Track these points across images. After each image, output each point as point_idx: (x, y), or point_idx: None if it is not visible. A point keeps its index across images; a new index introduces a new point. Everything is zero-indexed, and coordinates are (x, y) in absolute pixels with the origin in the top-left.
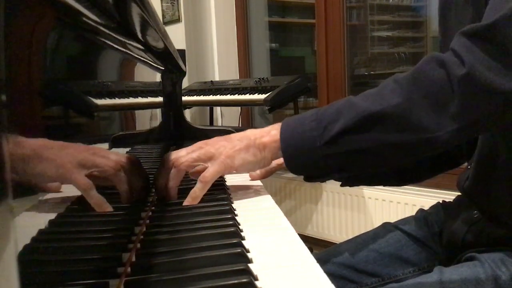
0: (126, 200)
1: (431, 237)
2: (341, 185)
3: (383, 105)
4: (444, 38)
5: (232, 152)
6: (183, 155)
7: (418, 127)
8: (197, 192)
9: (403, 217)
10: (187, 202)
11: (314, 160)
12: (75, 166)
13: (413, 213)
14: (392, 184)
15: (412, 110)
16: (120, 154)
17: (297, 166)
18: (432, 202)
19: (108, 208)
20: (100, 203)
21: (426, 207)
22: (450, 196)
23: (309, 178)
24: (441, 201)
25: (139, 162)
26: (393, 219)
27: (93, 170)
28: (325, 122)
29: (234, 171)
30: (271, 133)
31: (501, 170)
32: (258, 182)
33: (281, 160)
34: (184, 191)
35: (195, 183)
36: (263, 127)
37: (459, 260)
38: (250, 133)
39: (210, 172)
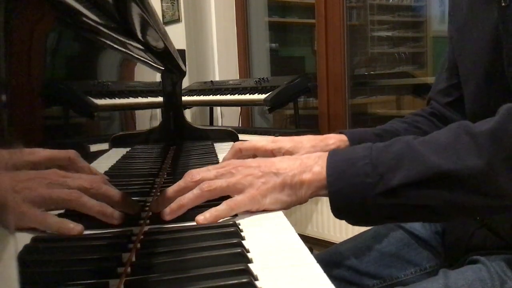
0: (109, 221)
1: (433, 236)
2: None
3: (458, 164)
4: (460, 37)
5: (265, 190)
6: (211, 178)
7: (498, 192)
8: (221, 213)
9: None
10: (203, 218)
11: (365, 209)
12: (31, 210)
13: None
14: None
15: (493, 174)
16: (83, 176)
17: (345, 212)
18: None
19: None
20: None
21: None
22: None
23: (354, 222)
24: None
25: (106, 182)
26: None
27: (53, 207)
28: (381, 169)
29: (262, 209)
30: (313, 169)
31: None
32: None
33: None
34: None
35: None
36: (263, 127)
37: (463, 262)
38: (288, 166)
39: (243, 202)
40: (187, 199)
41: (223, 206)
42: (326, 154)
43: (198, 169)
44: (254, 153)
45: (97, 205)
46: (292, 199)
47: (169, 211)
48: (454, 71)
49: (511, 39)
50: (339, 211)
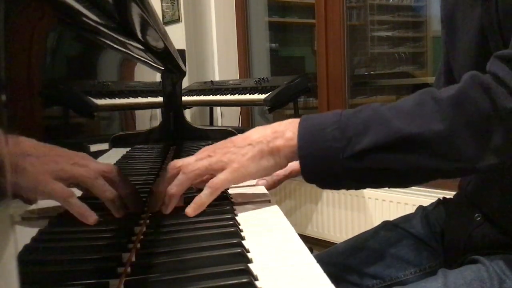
0: (114, 211)
1: (432, 236)
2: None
3: (422, 128)
4: (451, 38)
5: (245, 160)
6: (191, 162)
7: (457, 156)
8: (203, 198)
9: None
10: (191, 208)
11: (334, 172)
12: (50, 178)
13: (413, 213)
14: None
15: (454, 138)
16: (102, 163)
17: (314, 176)
18: (432, 201)
19: (91, 217)
20: (82, 212)
21: None
22: (450, 195)
23: (323, 186)
24: (441, 198)
25: (122, 173)
26: (393, 219)
27: (70, 181)
28: (349, 133)
29: (248, 179)
30: (285, 135)
31: (507, 178)
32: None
33: (288, 171)
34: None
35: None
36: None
37: (462, 262)
38: (261, 135)
39: (221, 179)
40: (175, 187)
41: (206, 190)
42: (298, 120)
43: (177, 159)
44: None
45: (110, 191)
46: (272, 164)
47: (165, 206)
48: (450, 75)
49: (496, 32)
50: (309, 175)
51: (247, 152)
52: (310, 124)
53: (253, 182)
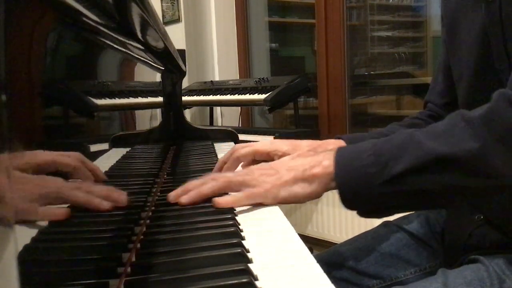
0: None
1: (433, 236)
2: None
3: (454, 148)
4: (451, 38)
5: (278, 184)
6: (228, 175)
7: (493, 172)
8: (239, 199)
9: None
10: (224, 201)
11: (372, 198)
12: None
13: (413, 212)
14: None
15: (487, 155)
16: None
17: (352, 203)
18: None
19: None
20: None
21: None
22: None
23: (363, 214)
24: None
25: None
26: (393, 219)
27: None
28: (384, 159)
29: (278, 202)
30: (323, 163)
31: None
32: None
33: None
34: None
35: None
36: (263, 127)
37: (462, 262)
38: (300, 163)
39: (258, 194)
40: (207, 188)
41: (241, 194)
42: (335, 149)
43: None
44: (253, 157)
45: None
46: (306, 191)
47: (187, 197)
48: (449, 73)
49: (499, 34)
50: (347, 202)
51: (282, 176)
52: (347, 152)
53: None
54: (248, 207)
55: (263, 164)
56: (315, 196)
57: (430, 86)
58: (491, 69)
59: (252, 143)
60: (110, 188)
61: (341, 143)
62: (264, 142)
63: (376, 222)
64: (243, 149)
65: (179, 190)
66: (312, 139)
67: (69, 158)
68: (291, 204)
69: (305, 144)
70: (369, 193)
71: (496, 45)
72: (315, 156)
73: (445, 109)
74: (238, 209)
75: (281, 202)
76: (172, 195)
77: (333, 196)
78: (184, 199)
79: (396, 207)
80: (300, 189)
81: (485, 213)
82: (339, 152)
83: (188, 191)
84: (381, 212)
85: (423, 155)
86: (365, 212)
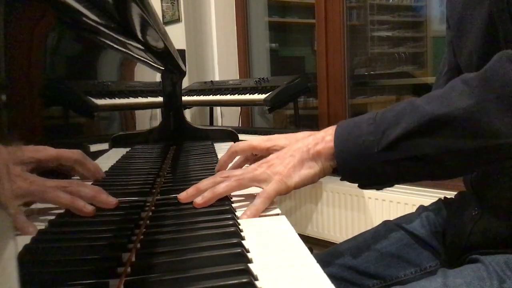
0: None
1: (433, 236)
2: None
3: (450, 107)
4: (459, 38)
5: (287, 171)
6: (237, 174)
7: (490, 132)
8: (259, 205)
9: None
10: (246, 215)
11: (371, 167)
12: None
13: (414, 212)
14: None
15: (484, 113)
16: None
17: (351, 173)
18: (433, 201)
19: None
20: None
21: None
22: (450, 195)
23: (363, 186)
24: (442, 198)
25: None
26: (393, 218)
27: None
28: (383, 126)
29: (294, 188)
30: (325, 139)
31: None
32: None
33: None
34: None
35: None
36: (263, 127)
37: (462, 262)
38: (303, 143)
39: (272, 189)
40: (221, 189)
41: (258, 200)
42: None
43: (228, 170)
44: (251, 152)
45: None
46: (316, 170)
47: (201, 199)
48: (453, 75)
49: (506, 23)
50: (345, 172)
51: (289, 162)
52: (347, 124)
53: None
54: (248, 207)
55: (269, 156)
56: (325, 172)
57: (433, 87)
58: None
59: (248, 140)
60: (98, 189)
61: None
62: (262, 138)
63: (376, 222)
64: (240, 144)
65: (190, 190)
66: None
67: (70, 153)
68: (305, 186)
69: (301, 135)
70: (367, 162)
71: (504, 32)
72: (317, 134)
73: None
74: (238, 209)
75: (296, 187)
76: (183, 196)
77: (333, 196)
78: (199, 201)
79: (396, 177)
80: (309, 169)
81: (489, 205)
82: (340, 124)
83: (200, 191)
84: (382, 183)
85: (418, 118)
86: (365, 184)
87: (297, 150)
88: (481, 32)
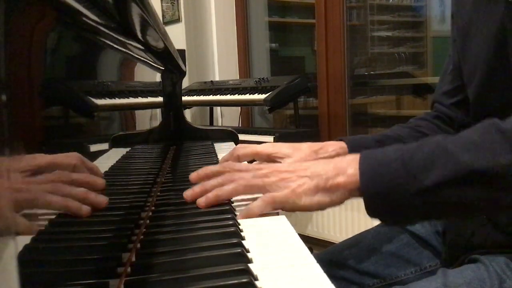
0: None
1: (433, 235)
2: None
3: (490, 162)
4: (464, 38)
5: (299, 191)
6: (247, 177)
7: None
8: (255, 209)
9: None
10: (240, 215)
11: (400, 209)
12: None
13: None
14: None
15: None
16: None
17: (378, 213)
18: None
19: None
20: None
21: None
22: None
23: (388, 222)
24: None
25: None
26: None
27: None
28: (414, 170)
29: (297, 210)
30: (347, 171)
31: None
32: None
33: None
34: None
35: None
36: (263, 127)
37: (463, 261)
38: (323, 169)
39: (280, 198)
40: (225, 191)
41: (259, 202)
42: (358, 156)
43: (240, 165)
44: (253, 158)
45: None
46: (326, 201)
47: (205, 200)
48: (458, 73)
49: None
50: (374, 212)
51: (304, 183)
52: (372, 160)
53: None
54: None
55: (283, 165)
56: (337, 204)
57: (437, 86)
58: (506, 67)
59: (253, 144)
60: (86, 190)
61: (342, 145)
62: (265, 145)
63: (376, 221)
64: (244, 149)
65: (196, 188)
66: (312, 139)
67: (68, 157)
68: (310, 212)
69: (305, 146)
70: (396, 204)
71: None
72: (338, 162)
73: (453, 109)
74: (238, 208)
75: (301, 209)
76: (189, 194)
77: None
78: (203, 203)
79: (424, 217)
80: (322, 198)
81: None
82: (364, 159)
83: (206, 191)
84: (407, 222)
85: (457, 168)
86: (391, 221)
87: (315, 174)
88: (487, 45)
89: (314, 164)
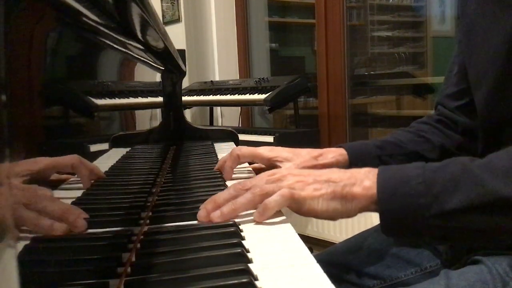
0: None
1: None
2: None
3: None
4: (469, 41)
5: (318, 195)
6: (260, 185)
7: None
8: (272, 204)
9: None
10: (257, 213)
11: (417, 229)
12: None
13: None
14: None
15: None
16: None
17: (394, 231)
18: None
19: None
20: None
21: None
22: None
23: (403, 240)
24: None
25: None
26: None
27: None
28: (436, 189)
29: (312, 215)
30: (364, 183)
31: None
32: None
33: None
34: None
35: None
36: (263, 127)
37: (464, 262)
38: (339, 176)
39: (298, 194)
40: (240, 203)
41: (276, 196)
42: (376, 169)
43: (247, 179)
44: (252, 160)
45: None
46: (341, 209)
47: (219, 214)
48: (464, 76)
49: None
50: (389, 230)
51: (321, 188)
52: (391, 176)
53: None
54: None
55: (298, 170)
56: (350, 215)
57: (441, 87)
58: None
59: (252, 147)
60: (69, 208)
61: (341, 151)
62: (264, 148)
63: (376, 221)
64: (243, 149)
65: (208, 206)
66: (312, 139)
67: (67, 159)
68: (322, 219)
69: (305, 152)
70: (414, 224)
71: None
72: (355, 172)
73: (457, 113)
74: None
75: (315, 214)
76: (202, 215)
77: None
78: (217, 218)
79: (439, 239)
80: (337, 205)
81: None
82: (383, 174)
83: (218, 206)
84: (424, 242)
85: (482, 193)
86: (405, 239)
87: (332, 181)
88: (498, 52)
89: (329, 171)
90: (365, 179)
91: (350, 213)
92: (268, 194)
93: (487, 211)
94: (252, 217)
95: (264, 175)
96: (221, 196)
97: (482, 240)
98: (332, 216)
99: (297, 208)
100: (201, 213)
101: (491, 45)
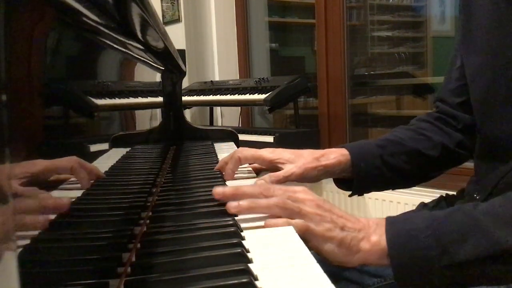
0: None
1: None
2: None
3: None
4: (465, 36)
5: (328, 236)
6: (280, 193)
7: None
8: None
9: None
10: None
11: (429, 279)
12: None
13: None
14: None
15: None
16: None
17: (408, 282)
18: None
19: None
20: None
21: None
22: (452, 193)
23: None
24: (444, 195)
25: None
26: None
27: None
28: (445, 240)
29: (314, 250)
30: (371, 239)
31: None
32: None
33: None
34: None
35: None
36: (263, 127)
37: None
38: (352, 224)
39: (312, 230)
40: (260, 206)
41: (301, 221)
42: (384, 221)
43: (274, 185)
44: (254, 162)
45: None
46: (343, 260)
47: (236, 205)
48: (464, 71)
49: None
50: (403, 282)
51: (334, 230)
52: (400, 230)
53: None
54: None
55: (322, 200)
56: (348, 265)
57: (442, 83)
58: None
59: (253, 148)
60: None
61: (343, 152)
62: (266, 150)
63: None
64: (245, 151)
65: (229, 189)
66: (312, 139)
67: (66, 161)
68: (325, 259)
69: (307, 152)
70: (426, 275)
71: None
72: (366, 226)
73: (457, 109)
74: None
75: (317, 251)
76: (220, 192)
77: (333, 196)
78: (234, 209)
79: (449, 284)
80: (341, 253)
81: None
82: (391, 229)
83: (238, 196)
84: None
85: (491, 245)
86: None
87: (346, 229)
88: (496, 46)
89: (348, 216)
90: (372, 234)
91: (349, 264)
92: (286, 210)
93: (497, 261)
94: (252, 217)
95: (285, 190)
96: (244, 189)
97: (491, 283)
98: (333, 260)
99: (303, 239)
100: (219, 189)
101: (488, 40)
